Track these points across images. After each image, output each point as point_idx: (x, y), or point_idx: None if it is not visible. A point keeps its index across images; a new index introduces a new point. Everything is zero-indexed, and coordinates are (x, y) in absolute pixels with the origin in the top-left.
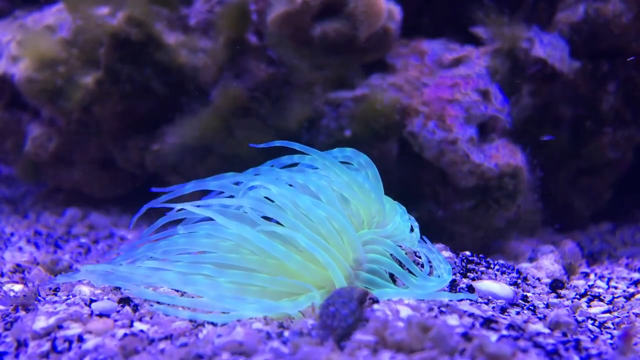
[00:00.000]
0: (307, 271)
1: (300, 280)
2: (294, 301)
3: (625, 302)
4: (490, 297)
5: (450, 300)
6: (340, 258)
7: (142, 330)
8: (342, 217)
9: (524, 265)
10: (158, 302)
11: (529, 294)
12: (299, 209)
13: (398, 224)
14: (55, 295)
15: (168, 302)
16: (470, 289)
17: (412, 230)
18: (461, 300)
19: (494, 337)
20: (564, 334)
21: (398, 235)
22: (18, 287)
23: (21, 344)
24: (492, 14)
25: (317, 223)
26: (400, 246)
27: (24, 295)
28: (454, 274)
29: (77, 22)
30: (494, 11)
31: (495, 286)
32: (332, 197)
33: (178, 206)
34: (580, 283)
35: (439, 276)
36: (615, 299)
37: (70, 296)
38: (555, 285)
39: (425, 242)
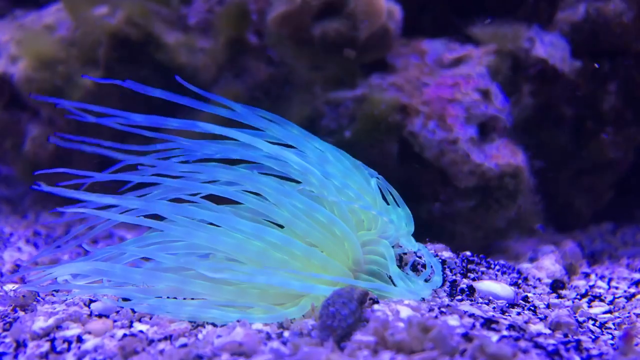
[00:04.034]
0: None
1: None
2: (297, 305)
3: (626, 302)
4: (490, 298)
5: (451, 300)
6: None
7: (141, 331)
8: (343, 223)
9: (525, 266)
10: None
11: (529, 294)
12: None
13: (397, 224)
14: (54, 295)
15: (170, 310)
16: (471, 289)
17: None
18: (462, 300)
19: (494, 337)
20: (565, 335)
21: (396, 235)
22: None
23: (20, 345)
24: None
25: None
26: (401, 247)
27: (23, 296)
28: (455, 274)
29: (76, 22)
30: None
31: (496, 286)
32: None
33: None
34: (581, 283)
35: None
36: (616, 299)
37: (69, 296)
38: (556, 286)
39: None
